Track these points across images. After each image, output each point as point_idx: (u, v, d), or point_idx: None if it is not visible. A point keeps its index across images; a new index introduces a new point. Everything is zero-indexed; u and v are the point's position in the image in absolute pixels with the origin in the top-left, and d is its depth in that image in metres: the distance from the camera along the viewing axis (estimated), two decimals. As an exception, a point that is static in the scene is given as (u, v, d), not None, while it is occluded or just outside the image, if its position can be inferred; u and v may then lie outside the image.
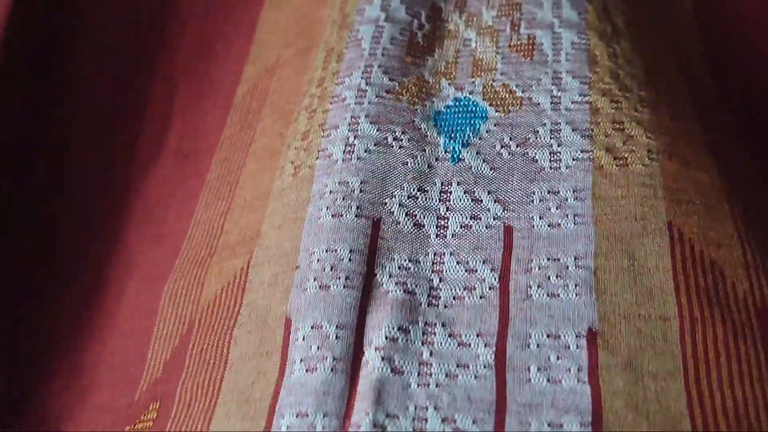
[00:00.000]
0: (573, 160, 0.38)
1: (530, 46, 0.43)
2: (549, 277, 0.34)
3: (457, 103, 0.40)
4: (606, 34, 0.43)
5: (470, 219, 0.36)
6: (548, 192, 0.37)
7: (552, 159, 0.38)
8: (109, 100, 0.50)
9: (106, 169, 0.48)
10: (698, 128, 0.40)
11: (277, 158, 0.41)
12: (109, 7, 0.52)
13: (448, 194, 0.37)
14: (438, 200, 0.37)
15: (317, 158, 0.38)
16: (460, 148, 0.38)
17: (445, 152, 0.38)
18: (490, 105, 0.40)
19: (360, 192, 0.37)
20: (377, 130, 0.39)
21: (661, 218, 0.35)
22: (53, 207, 0.47)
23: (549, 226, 0.35)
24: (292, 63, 0.46)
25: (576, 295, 0.33)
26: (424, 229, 0.36)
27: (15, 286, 0.45)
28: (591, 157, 0.38)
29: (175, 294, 0.41)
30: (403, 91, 0.40)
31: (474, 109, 0.40)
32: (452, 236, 0.36)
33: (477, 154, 0.38)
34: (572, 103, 0.40)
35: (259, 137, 0.43)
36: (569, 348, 0.32)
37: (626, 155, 0.37)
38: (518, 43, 0.43)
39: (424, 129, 0.39)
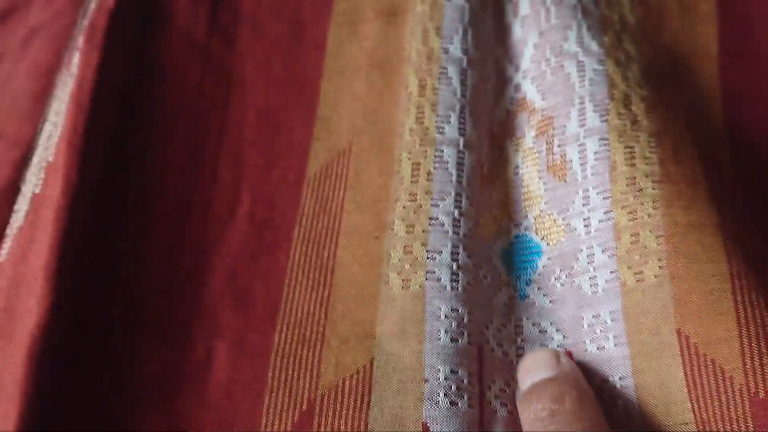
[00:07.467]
0: (606, 281, 0.40)
1: (563, 165, 0.42)
2: (603, 399, 0.38)
3: (517, 241, 0.43)
4: (625, 132, 0.41)
5: (540, 347, 0.41)
6: (593, 316, 0.40)
7: (591, 284, 0.40)
8: (182, 163, 0.47)
9: (182, 229, 0.45)
10: (712, 218, 0.39)
11: (378, 263, 0.41)
12: (180, 75, 0.50)
13: (521, 328, 0.41)
14: (514, 333, 0.41)
15: (426, 279, 0.40)
16: (525, 286, 0.43)
17: (515, 291, 0.42)
18: (542, 239, 0.43)
19: (468, 321, 0.39)
20: (473, 265, 0.40)
21: (672, 326, 0.37)
22: (134, 270, 0.43)
23: (597, 348, 0.39)
24: (370, 157, 0.45)
25: (625, 412, 0.37)
26: (509, 357, 0.40)
27: (99, 351, 0.41)
28: (618, 276, 0.39)
29: (285, 372, 0.40)
30: (484, 227, 0.41)
31: (530, 245, 0.43)
32: None
33: (538, 290, 0.42)
34: (599, 222, 0.41)
35: (349, 232, 0.43)
36: None
37: (641, 269, 0.38)
38: (554, 163, 0.43)
39: (499, 268, 0.42)
